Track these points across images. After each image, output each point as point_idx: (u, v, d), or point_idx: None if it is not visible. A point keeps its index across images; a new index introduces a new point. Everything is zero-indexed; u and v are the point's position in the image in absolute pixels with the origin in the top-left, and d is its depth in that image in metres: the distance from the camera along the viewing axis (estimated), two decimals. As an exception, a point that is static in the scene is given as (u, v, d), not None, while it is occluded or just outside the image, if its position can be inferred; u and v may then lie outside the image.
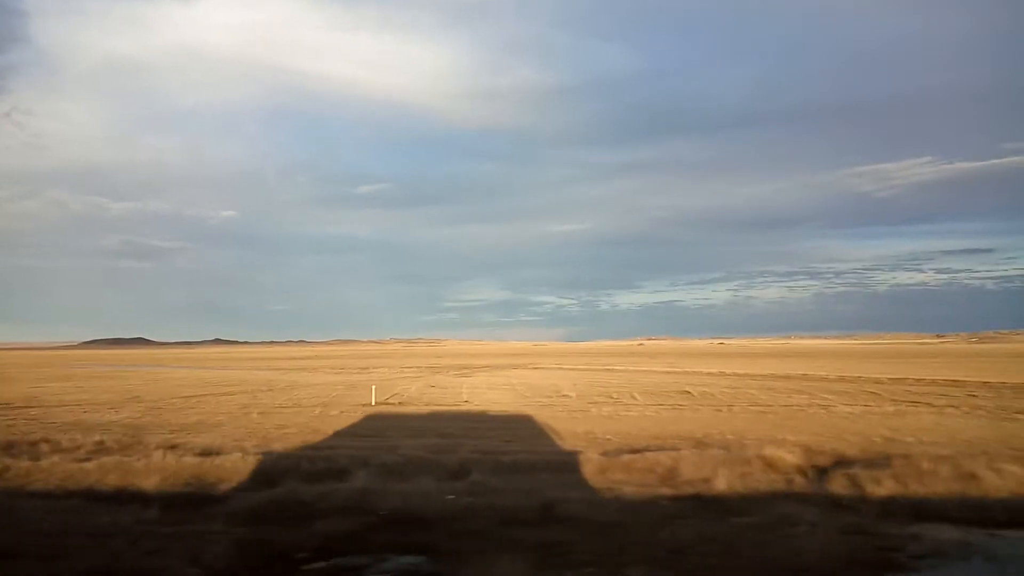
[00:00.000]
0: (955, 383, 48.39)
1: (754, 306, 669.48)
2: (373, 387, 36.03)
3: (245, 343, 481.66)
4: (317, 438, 22.15)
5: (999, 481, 14.04)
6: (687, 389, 43.60)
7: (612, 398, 37.95)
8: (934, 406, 32.52)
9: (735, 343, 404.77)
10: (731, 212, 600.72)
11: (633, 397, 38.25)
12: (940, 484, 14.04)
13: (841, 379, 54.49)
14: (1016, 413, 29.13)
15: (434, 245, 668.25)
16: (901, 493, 13.55)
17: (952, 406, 32.37)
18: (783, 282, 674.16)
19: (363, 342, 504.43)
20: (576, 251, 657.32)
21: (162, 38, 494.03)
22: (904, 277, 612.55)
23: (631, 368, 78.58)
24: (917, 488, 13.84)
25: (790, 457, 16.73)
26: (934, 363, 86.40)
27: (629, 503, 13.09)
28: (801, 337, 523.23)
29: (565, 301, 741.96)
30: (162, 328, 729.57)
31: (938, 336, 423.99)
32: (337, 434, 23.42)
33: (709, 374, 64.50)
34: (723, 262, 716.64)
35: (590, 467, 16.76)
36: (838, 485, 14.41)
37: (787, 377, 57.92)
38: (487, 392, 42.84)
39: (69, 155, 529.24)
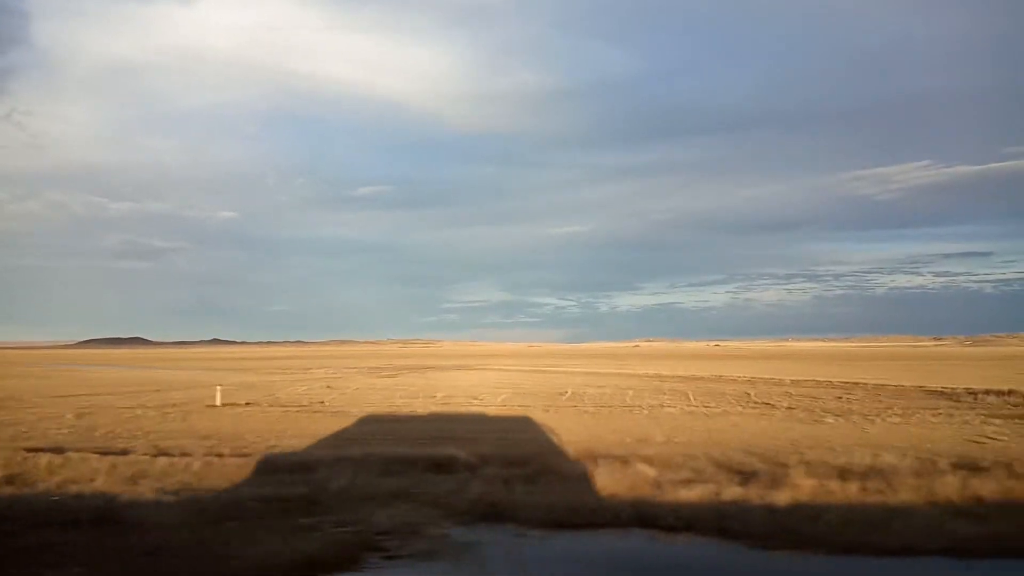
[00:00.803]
0: (852, 385, 48.12)
1: (753, 308, 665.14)
2: (218, 388, 36.03)
3: (243, 343, 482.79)
4: (72, 439, 22.23)
5: (610, 482, 13.96)
6: (569, 390, 43.52)
7: (477, 399, 37.85)
8: (774, 407, 32.38)
9: (731, 345, 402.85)
10: (731, 214, 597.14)
11: (500, 400, 38.15)
12: (552, 484, 13.97)
13: (749, 381, 54.22)
14: (839, 416, 28.92)
15: (433, 247, 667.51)
16: (497, 494, 13.47)
17: (790, 407, 32.22)
18: (782, 284, 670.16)
19: (360, 343, 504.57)
20: (576, 253, 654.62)
21: (162, 40, 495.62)
22: (903, 280, 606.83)
23: (566, 370, 78.46)
24: (524, 487, 13.77)
25: (463, 456, 16.74)
26: (883, 366, 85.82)
27: (210, 503, 13.06)
28: (799, 340, 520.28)
29: (565, 303, 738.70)
30: (160, 328, 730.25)
31: (935, 339, 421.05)
32: (107, 436, 23.49)
33: (631, 375, 64.36)
34: (722, 264, 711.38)
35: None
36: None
37: (701, 379, 57.71)
38: (371, 394, 42.79)
39: (69, 156, 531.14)
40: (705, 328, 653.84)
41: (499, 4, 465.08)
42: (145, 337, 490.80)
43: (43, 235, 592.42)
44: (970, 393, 38.78)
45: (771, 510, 12.11)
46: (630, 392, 42.22)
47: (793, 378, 55.88)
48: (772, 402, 34.78)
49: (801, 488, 13.04)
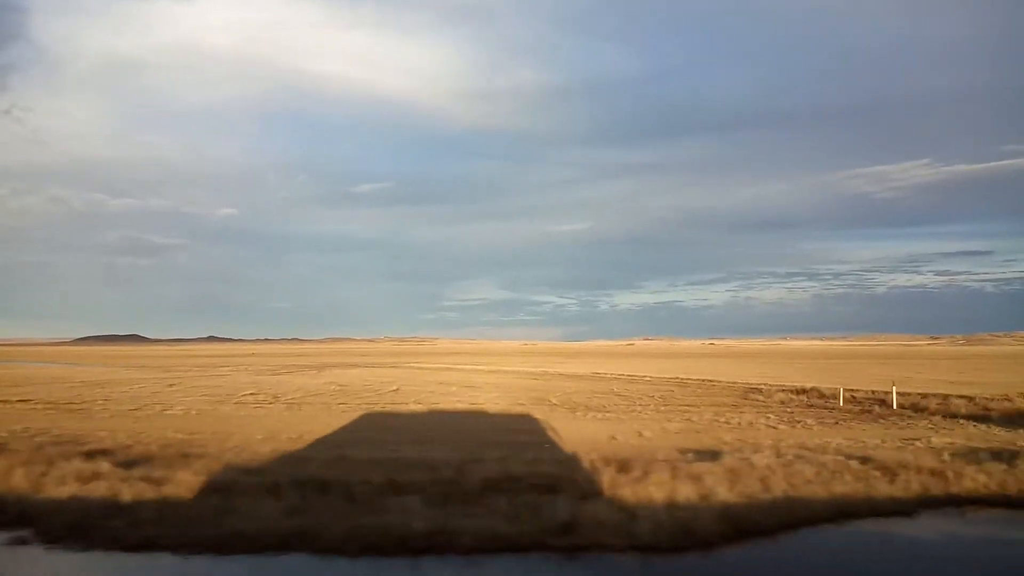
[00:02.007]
0: (704, 383, 47.60)
1: (753, 307, 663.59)
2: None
3: (239, 340, 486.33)
4: None
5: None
6: (399, 386, 43.37)
7: (275, 397, 37.61)
8: (540, 404, 31.89)
9: (724, 344, 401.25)
10: (731, 213, 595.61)
11: (291, 398, 37.97)
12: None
13: (616, 379, 53.83)
14: (586, 412, 28.45)
15: (434, 244, 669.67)
16: None
17: (553, 405, 31.69)
18: (782, 283, 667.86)
19: (357, 340, 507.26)
20: (576, 251, 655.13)
21: (162, 36, 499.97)
22: (903, 279, 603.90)
23: (490, 368, 78.18)
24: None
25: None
26: (809, 365, 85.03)
27: None
28: (799, 338, 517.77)
29: (565, 301, 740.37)
30: (158, 325, 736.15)
31: (931, 338, 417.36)
32: None
33: (527, 374, 63.99)
34: (723, 263, 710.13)
35: None
36: None
37: (583, 378, 57.37)
38: (185, 394, 42.65)
39: (69, 152, 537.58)
40: (706, 327, 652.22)
41: (499, 3, 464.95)
42: (142, 334, 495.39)
43: (43, 231, 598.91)
44: (781, 390, 38.23)
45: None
46: (453, 388, 42.03)
47: (670, 376, 55.70)
48: (551, 400, 34.26)
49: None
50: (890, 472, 14.54)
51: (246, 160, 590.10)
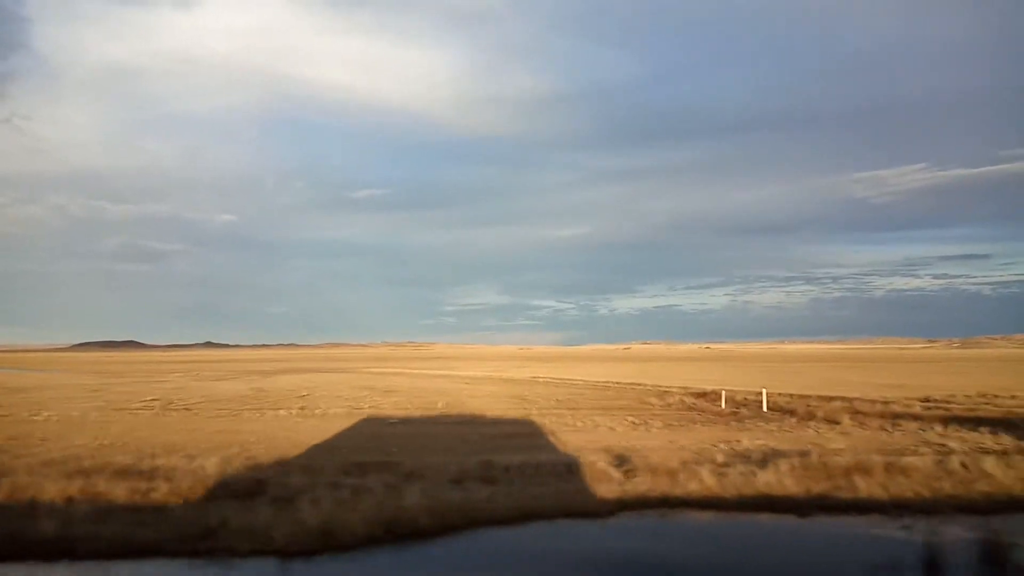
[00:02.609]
0: (628, 387, 47.42)
1: (752, 311, 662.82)
2: None
3: (236, 346, 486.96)
4: None
5: None
6: (306, 393, 43.32)
7: (170, 404, 37.59)
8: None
9: (721, 348, 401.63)
10: (729, 217, 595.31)
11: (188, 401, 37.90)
12: None
13: (567, 384, 53.67)
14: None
15: (433, 249, 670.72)
16: None
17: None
18: (781, 287, 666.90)
19: (353, 345, 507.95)
20: (575, 256, 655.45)
21: (161, 44, 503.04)
22: (901, 282, 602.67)
23: (444, 373, 78.12)
24: None
25: None
26: (771, 367, 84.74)
27: None
28: (797, 342, 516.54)
29: (564, 305, 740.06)
30: (157, 331, 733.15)
31: (928, 341, 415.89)
32: None
33: (467, 378, 63.93)
34: (721, 267, 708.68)
35: None
36: None
37: (517, 382, 57.18)
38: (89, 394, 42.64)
39: (69, 159, 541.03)
40: (704, 330, 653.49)
41: (497, 7, 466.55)
42: (140, 340, 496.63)
43: (44, 239, 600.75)
44: (685, 393, 38.09)
45: None
46: (365, 392, 41.93)
47: (604, 380, 55.40)
48: (439, 405, 34.15)
49: None
50: (632, 473, 14.40)
51: (245, 166, 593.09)
